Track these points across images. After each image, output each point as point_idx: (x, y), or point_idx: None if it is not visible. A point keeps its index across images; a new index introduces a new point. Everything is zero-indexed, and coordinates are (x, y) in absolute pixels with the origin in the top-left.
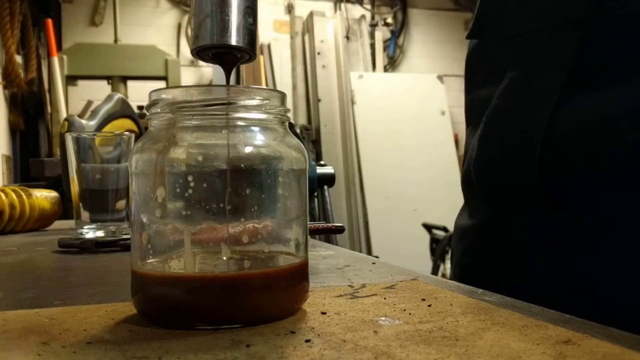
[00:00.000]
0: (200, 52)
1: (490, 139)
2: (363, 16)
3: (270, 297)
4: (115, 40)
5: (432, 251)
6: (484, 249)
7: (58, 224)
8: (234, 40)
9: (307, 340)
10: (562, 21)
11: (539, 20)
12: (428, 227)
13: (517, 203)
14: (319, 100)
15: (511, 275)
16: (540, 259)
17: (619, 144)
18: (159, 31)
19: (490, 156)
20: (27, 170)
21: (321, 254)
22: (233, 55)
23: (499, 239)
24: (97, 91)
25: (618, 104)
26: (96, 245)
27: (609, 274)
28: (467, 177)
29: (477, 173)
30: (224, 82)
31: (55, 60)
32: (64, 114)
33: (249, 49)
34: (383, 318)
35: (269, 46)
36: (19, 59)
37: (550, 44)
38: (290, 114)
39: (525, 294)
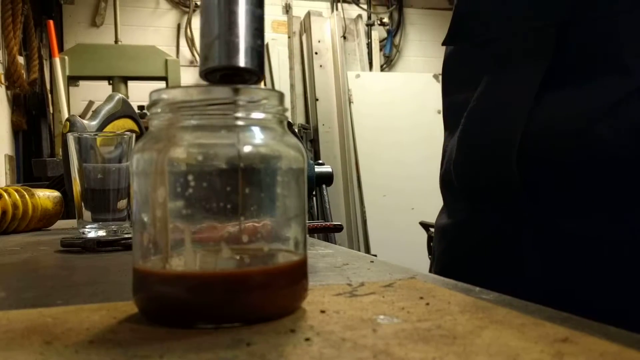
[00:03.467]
0: (209, 74)
1: (468, 140)
2: (360, 16)
3: (270, 295)
4: (116, 41)
5: (430, 249)
6: (463, 249)
7: (60, 224)
8: (243, 62)
9: (307, 339)
10: (536, 25)
11: (514, 25)
12: (425, 226)
13: (496, 202)
14: (316, 100)
15: (490, 274)
16: (519, 259)
17: (591, 141)
18: (159, 32)
19: (469, 157)
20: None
21: (320, 252)
22: (241, 77)
23: (477, 238)
24: (98, 91)
25: (591, 102)
26: (98, 245)
27: (590, 276)
28: (445, 178)
29: (456, 174)
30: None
31: (57, 61)
32: (65, 115)
33: (258, 71)
34: (382, 316)
35: (267, 46)
36: (21, 60)
37: (526, 47)
38: (288, 114)
39: (504, 294)
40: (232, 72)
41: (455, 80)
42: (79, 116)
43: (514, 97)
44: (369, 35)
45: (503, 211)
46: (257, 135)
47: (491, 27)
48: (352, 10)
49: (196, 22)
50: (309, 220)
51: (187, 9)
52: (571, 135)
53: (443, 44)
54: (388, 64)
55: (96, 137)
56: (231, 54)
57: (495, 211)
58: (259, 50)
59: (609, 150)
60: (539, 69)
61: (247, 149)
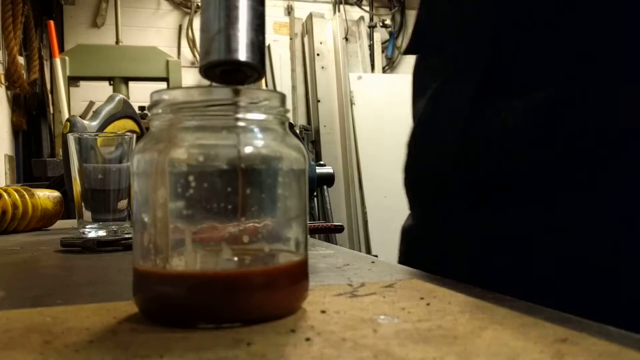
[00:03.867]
0: (208, 70)
1: (414, 145)
2: (362, 18)
3: (271, 295)
4: (117, 42)
5: None
6: (417, 250)
7: (60, 224)
8: (244, 57)
9: (307, 339)
10: (470, 37)
11: (452, 36)
12: None
13: (441, 205)
14: (318, 101)
15: (443, 275)
16: (464, 257)
17: (521, 151)
18: (160, 33)
19: (415, 161)
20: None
21: (321, 253)
22: (242, 72)
23: (427, 240)
24: (99, 92)
25: (522, 113)
26: (98, 245)
27: (544, 273)
28: (404, 181)
29: (405, 177)
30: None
31: (58, 61)
32: (66, 115)
33: (260, 66)
34: (382, 316)
35: (268, 47)
36: (21, 60)
37: (465, 56)
38: (289, 115)
39: None
40: (232, 68)
41: (418, 88)
42: (80, 117)
43: (453, 105)
44: (371, 37)
45: (449, 213)
46: (258, 136)
47: (440, 37)
48: (354, 12)
49: (197, 23)
50: (309, 220)
51: (189, 10)
52: (504, 143)
53: (402, 54)
54: (390, 65)
55: (97, 137)
56: (232, 48)
57: (443, 213)
58: (260, 45)
59: (532, 160)
60: (475, 78)
61: (248, 149)
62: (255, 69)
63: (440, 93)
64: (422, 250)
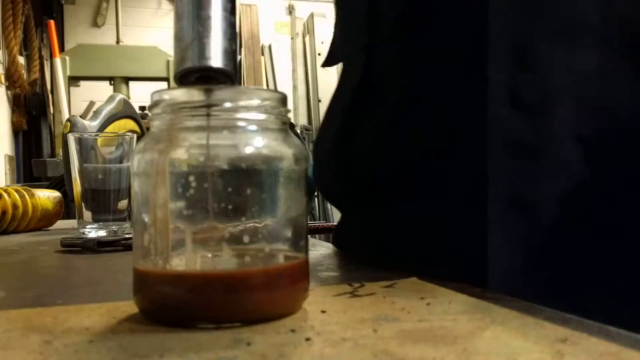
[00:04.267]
0: (183, 77)
1: (315, 154)
2: None
3: (271, 295)
4: (117, 42)
5: None
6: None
7: (60, 224)
8: (219, 63)
9: (308, 339)
10: (351, 55)
11: (342, 54)
12: None
13: (339, 206)
14: (319, 101)
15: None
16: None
17: (384, 166)
18: (160, 32)
19: (316, 169)
20: (29, 170)
21: (321, 253)
22: (216, 79)
23: (346, 237)
24: (99, 92)
25: (387, 127)
26: (98, 245)
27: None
28: None
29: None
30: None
31: (58, 61)
32: (66, 115)
33: (233, 73)
34: (382, 316)
35: (269, 47)
36: (21, 60)
37: (345, 72)
38: (290, 115)
39: None
40: (206, 75)
41: None
42: (80, 116)
43: (331, 119)
44: None
45: (343, 214)
46: (259, 136)
47: (337, 55)
48: None
49: None
50: (310, 221)
51: None
52: (369, 149)
53: (322, 66)
54: None
55: (97, 137)
56: (206, 55)
57: (342, 214)
58: (233, 53)
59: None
60: (348, 94)
61: (248, 150)
62: (229, 75)
63: (330, 104)
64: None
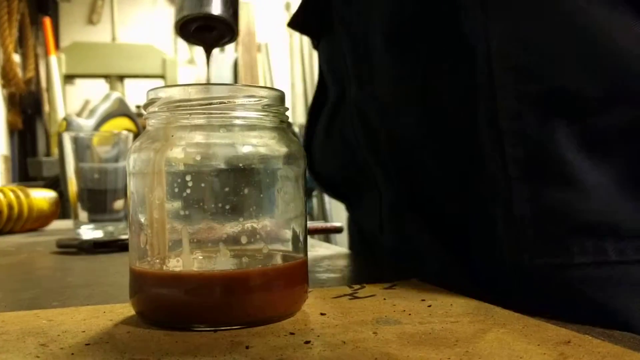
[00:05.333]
0: (183, 27)
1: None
2: None
3: (270, 297)
4: (113, 39)
5: None
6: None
7: (56, 224)
8: (218, 11)
9: (307, 342)
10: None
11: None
12: None
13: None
14: None
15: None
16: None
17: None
18: (156, 30)
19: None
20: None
21: (320, 254)
22: (217, 30)
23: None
24: (95, 90)
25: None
26: (94, 246)
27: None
28: None
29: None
30: (222, 81)
31: (53, 59)
32: (61, 114)
33: (233, 23)
34: (383, 319)
35: (266, 45)
36: (17, 58)
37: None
38: (289, 113)
39: None
40: (206, 24)
41: None
42: (75, 115)
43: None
44: None
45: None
46: (257, 135)
47: None
48: None
49: None
50: (309, 221)
51: None
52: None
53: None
54: None
55: (92, 136)
56: (205, 2)
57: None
58: (233, 3)
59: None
60: (332, 99)
61: (246, 149)
62: (229, 26)
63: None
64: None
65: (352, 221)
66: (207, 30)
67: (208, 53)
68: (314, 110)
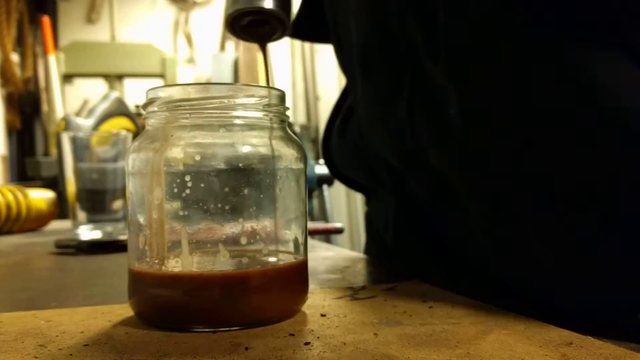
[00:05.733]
0: (235, 21)
1: None
2: None
3: (269, 297)
4: (112, 38)
5: None
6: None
7: (54, 225)
8: (272, 4)
9: (307, 343)
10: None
11: None
12: None
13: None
14: (318, 99)
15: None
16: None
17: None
18: (156, 29)
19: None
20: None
21: (321, 254)
22: (270, 25)
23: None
24: (94, 90)
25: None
26: (93, 246)
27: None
28: None
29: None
30: (223, 80)
31: (52, 58)
32: (60, 113)
33: (286, 19)
34: (384, 320)
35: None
36: (15, 57)
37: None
38: (289, 113)
39: None
40: (259, 18)
41: None
42: (74, 115)
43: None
44: None
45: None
46: (257, 135)
47: None
48: None
49: (195, 19)
50: (309, 221)
51: (185, 5)
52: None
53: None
54: None
55: (91, 136)
56: None
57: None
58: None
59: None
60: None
61: (246, 148)
62: (281, 20)
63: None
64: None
65: (366, 213)
66: (259, 25)
67: (263, 48)
68: (334, 110)
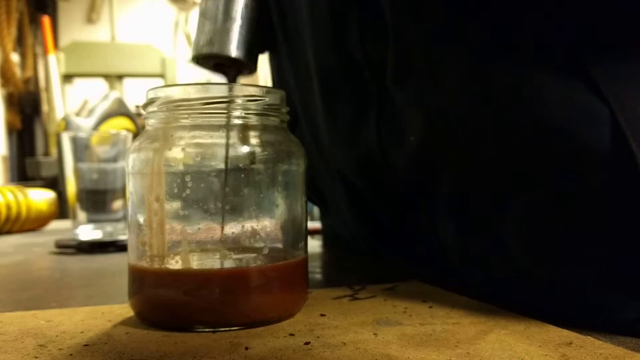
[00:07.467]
0: (202, 60)
1: None
2: None
3: (269, 297)
4: (112, 39)
5: None
6: None
7: (55, 225)
8: (238, 54)
9: (307, 343)
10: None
11: None
12: None
13: None
14: None
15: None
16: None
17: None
18: (155, 29)
19: None
20: (23, 170)
21: (321, 254)
22: (235, 68)
23: None
24: (94, 90)
25: None
26: (93, 246)
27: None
28: None
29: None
30: (223, 81)
31: (52, 58)
32: (60, 113)
33: (252, 66)
34: (383, 320)
35: None
36: (15, 57)
37: None
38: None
39: None
40: (229, 63)
41: None
42: (74, 115)
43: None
44: None
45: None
46: (257, 135)
47: None
48: None
49: (195, 19)
50: (309, 221)
51: (185, 5)
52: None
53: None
54: None
55: (91, 136)
56: (230, 45)
57: None
58: (252, 42)
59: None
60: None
61: (246, 149)
62: (247, 66)
63: None
64: None
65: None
66: (225, 66)
67: (230, 82)
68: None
